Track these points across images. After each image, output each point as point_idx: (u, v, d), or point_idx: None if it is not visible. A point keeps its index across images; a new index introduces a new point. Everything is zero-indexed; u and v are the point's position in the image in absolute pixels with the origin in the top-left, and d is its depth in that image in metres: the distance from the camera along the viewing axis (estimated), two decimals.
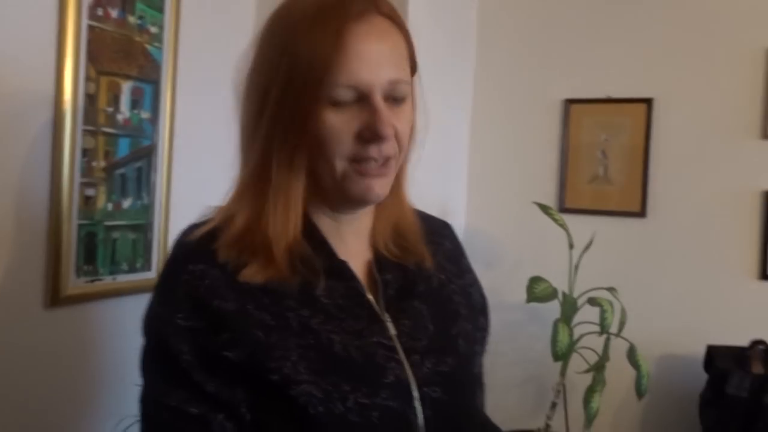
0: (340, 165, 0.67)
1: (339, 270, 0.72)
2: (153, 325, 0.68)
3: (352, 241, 0.75)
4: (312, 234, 0.72)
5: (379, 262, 0.76)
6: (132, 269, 1.41)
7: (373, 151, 0.67)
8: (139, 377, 0.68)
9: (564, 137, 2.12)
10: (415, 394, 0.69)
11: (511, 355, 2.16)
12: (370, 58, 0.66)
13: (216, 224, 0.71)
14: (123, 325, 1.34)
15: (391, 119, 0.67)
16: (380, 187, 0.70)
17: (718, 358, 1.79)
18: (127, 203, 1.39)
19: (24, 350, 1.20)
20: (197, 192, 1.16)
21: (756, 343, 1.78)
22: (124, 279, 1.40)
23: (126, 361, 1.20)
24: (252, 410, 0.67)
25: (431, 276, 0.79)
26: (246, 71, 0.71)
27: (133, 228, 1.42)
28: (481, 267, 2.48)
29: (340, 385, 0.66)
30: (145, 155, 1.43)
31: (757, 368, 1.74)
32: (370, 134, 0.66)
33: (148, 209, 1.44)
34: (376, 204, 0.75)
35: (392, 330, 0.72)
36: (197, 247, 0.69)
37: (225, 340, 0.65)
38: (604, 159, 2.07)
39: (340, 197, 0.71)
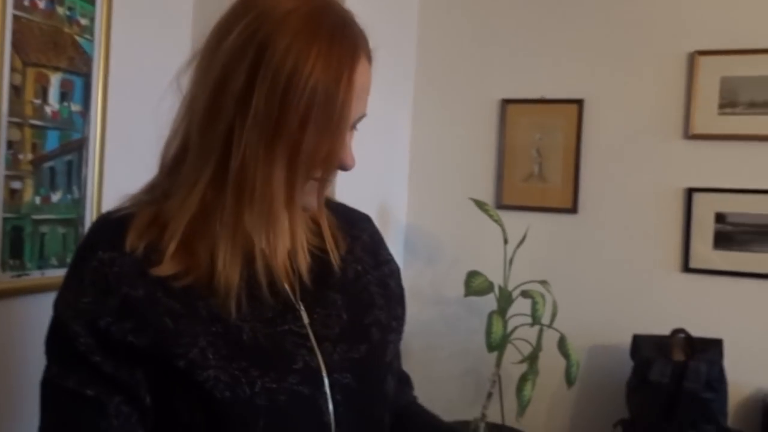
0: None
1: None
2: (57, 308, 0.68)
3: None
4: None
5: (294, 252, 0.77)
6: (62, 264, 1.39)
7: (334, 176, 0.72)
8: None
9: (501, 136, 2.18)
10: (326, 380, 0.71)
11: (450, 348, 2.21)
12: (364, 96, 0.72)
13: (130, 212, 0.71)
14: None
15: (352, 148, 0.72)
16: (323, 199, 0.75)
17: (642, 347, 1.88)
18: (56, 197, 1.37)
19: None
20: (130, 186, 1.15)
21: (676, 331, 1.88)
22: (53, 274, 1.37)
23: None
24: (157, 396, 0.67)
25: (347, 267, 0.81)
26: (210, 45, 0.70)
27: (64, 222, 1.39)
28: (421, 263, 2.54)
29: (248, 370, 0.67)
30: (76, 148, 1.41)
31: (678, 355, 1.84)
32: (340, 165, 0.71)
33: (79, 203, 1.42)
34: None
35: (305, 318, 0.74)
36: (109, 235, 0.69)
37: (131, 327, 0.65)
38: (539, 157, 2.14)
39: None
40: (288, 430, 0.69)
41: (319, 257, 0.79)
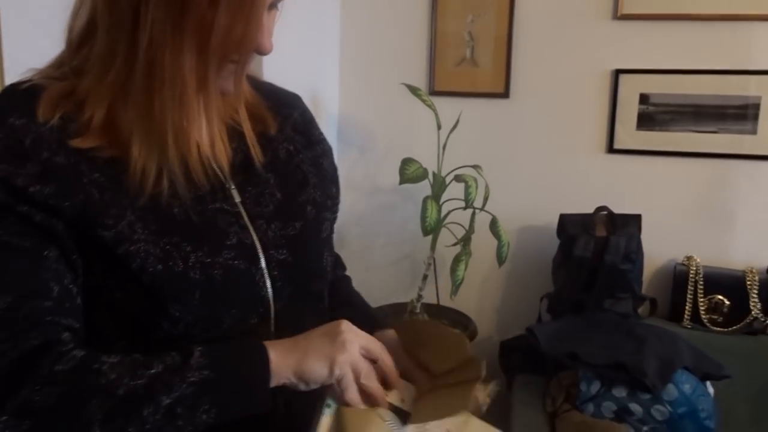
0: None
1: None
2: None
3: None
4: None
5: (212, 142, 0.74)
6: None
7: (251, 59, 0.68)
8: None
9: (433, 19, 2.12)
10: (261, 256, 0.72)
11: (386, 236, 2.25)
12: None
13: (38, 83, 0.66)
14: None
15: (270, 29, 0.68)
16: (240, 82, 0.71)
17: (568, 225, 1.97)
18: None
19: None
20: (32, 60, 1.05)
21: (599, 209, 1.98)
22: None
23: None
24: (85, 271, 0.65)
25: (278, 146, 0.80)
26: None
27: None
28: (355, 153, 2.52)
29: (179, 244, 0.66)
30: None
31: (600, 231, 1.95)
32: (257, 49, 0.66)
33: None
34: None
35: (237, 197, 0.73)
36: (19, 103, 0.64)
37: (53, 192, 0.62)
38: (471, 41, 2.11)
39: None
40: (225, 304, 0.69)
41: (249, 138, 0.77)
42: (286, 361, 0.65)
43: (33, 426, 0.57)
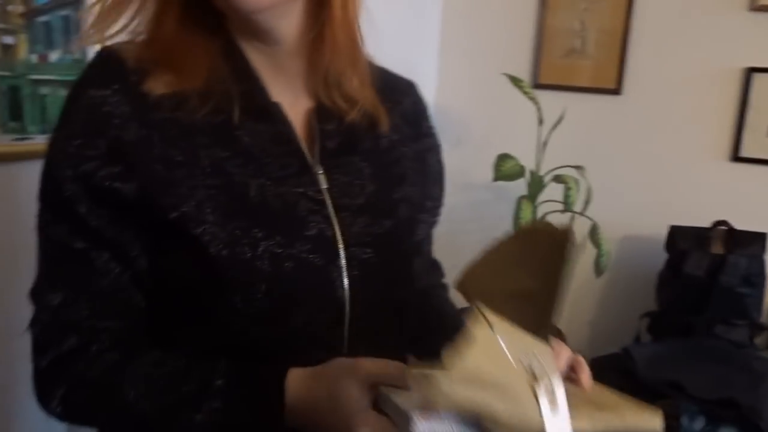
0: None
1: (269, 111, 0.65)
2: (48, 151, 0.62)
3: (287, 82, 0.67)
4: (239, 66, 0.64)
5: (319, 112, 0.68)
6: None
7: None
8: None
9: (541, 6, 1.98)
10: (342, 252, 0.64)
11: (476, 234, 2.14)
12: None
13: (125, 44, 0.64)
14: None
15: None
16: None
17: (679, 238, 1.79)
18: (54, 56, 1.27)
19: None
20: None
21: (718, 223, 1.77)
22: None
23: None
24: (150, 255, 0.62)
25: (380, 135, 0.71)
26: None
27: (65, 84, 1.30)
28: (448, 145, 2.42)
29: (250, 230, 0.60)
30: (71, 2, 1.28)
31: (717, 248, 1.75)
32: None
33: (81, 64, 1.32)
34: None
35: (323, 184, 0.65)
36: (101, 70, 0.62)
37: (118, 173, 0.59)
38: (582, 31, 1.94)
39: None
40: (293, 301, 0.62)
41: (347, 120, 0.69)
42: (298, 419, 0.59)
43: (76, 418, 0.64)
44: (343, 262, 0.63)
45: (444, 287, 0.88)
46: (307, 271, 0.61)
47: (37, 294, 0.64)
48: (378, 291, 0.66)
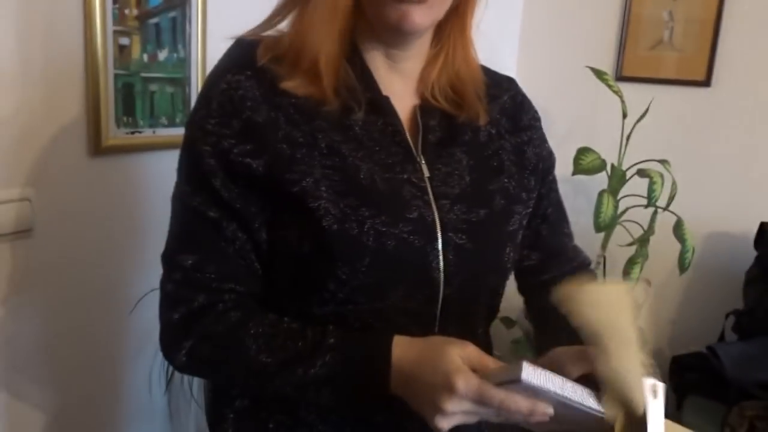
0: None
1: (380, 104, 0.71)
2: (187, 128, 0.70)
3: (399, 81, 0.74)
4: (358, 63, 0.71)
5: (424, 108, 0.74)
6: (171, 124, 1.41)
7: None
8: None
9: None
10: (439, 236, 0.69)
11: None
12: None
13: (262, 36, 0.71)
14: (162, 179, 1.35)
15: None
16: (419, 15, 0.66)
17: None
18: (162, 55, 1.36)
19: (69, 197, 1.24)
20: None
21: None
22: (163, 133, 1.40)
23: (163, 214, 1.23)
24: (269, 228, 0.69)
25: (479, 129, 0.76)
26: None
27: (171, 81, 1.40)
28: None
29: (359, 208, 0.66)
30: (179, 5, 1.37)
31: None
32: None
33: (184, 63, 1.41)
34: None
35: (426, 172, 0.71)
36: (239, 58, 0.69)
37: (250, 150, 0.66)
38: (671, 21, 1.89)
39: (380, 25, 0.69)
40: (393, 277, 0.68)
41: (449, 116, 0.75)
42: (401, 389, 0.64)
43: (197, 369, 0.73)
44: (440, 245, 0.69)
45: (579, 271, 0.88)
46: (407, 250, 0.67)
47: (169, 256, 0.70)
48: (470, 276, 0.72)
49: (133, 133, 1.34)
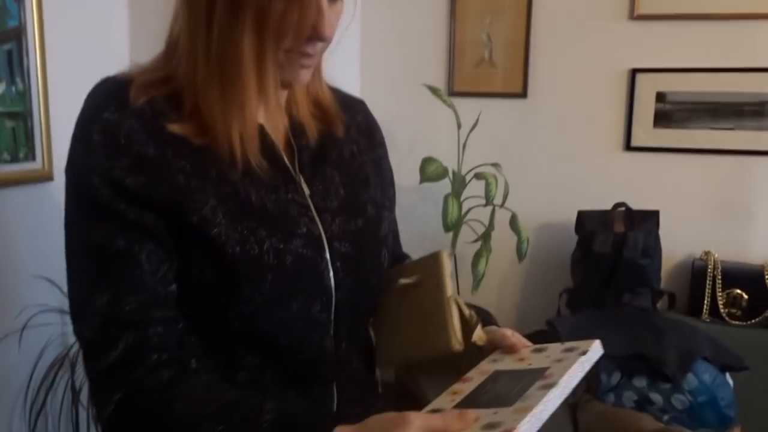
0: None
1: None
2: (70, 170, 0.69)
3: (272, 107, 0.77)
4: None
5: (294, 130, 0.80)
6: (15, 159, 1.36)
7: (311, 48, 0.70)
8: (64, 230, 0.69)
9: (452, 20, 2.17)
10: (326, 247, 0.76)
11: (407, 233, 2.28)
12: None
13: (131, 76, 0.71)
14: (7, 217, 1.30)
15: (331, 19, 0.69)
16: (307, 74, 0.74)
17: (586, 222, 2.00)
18: (0, 89, 1.32)
19: None
20: (77, 75, 1.10)
21: (617, 205, 2.01)
22: (6, 169, 1.34)
23: (16, 252, 1.18)
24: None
25: (343, 146, 0.84)
26: None
27: (11, 116, 1.35)
28: None
29: (256, 230, 0.70)
30: (14, 37, 1.34)
31: (619, 227, 1.98)
32: (313, 34, 0.68)
33: (24, 96, 1.37)
34: None
35: (306, 190, 0.77)
36: (111, 97, 0.69)
37: (144, 182, 0.66)
38: (489, 43, 2.15)
39: (292, 84, 0.74)
40: (293, 289, 0.73)
41: (317, 135, 0.82)
42: None
43: (124, 428, 0.66)
44: (328, 255, 0.76)
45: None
46: (303, 263, 0.73)
47: (79, 306, 0.68)
48: (356, 279, 0.79)
49: None
